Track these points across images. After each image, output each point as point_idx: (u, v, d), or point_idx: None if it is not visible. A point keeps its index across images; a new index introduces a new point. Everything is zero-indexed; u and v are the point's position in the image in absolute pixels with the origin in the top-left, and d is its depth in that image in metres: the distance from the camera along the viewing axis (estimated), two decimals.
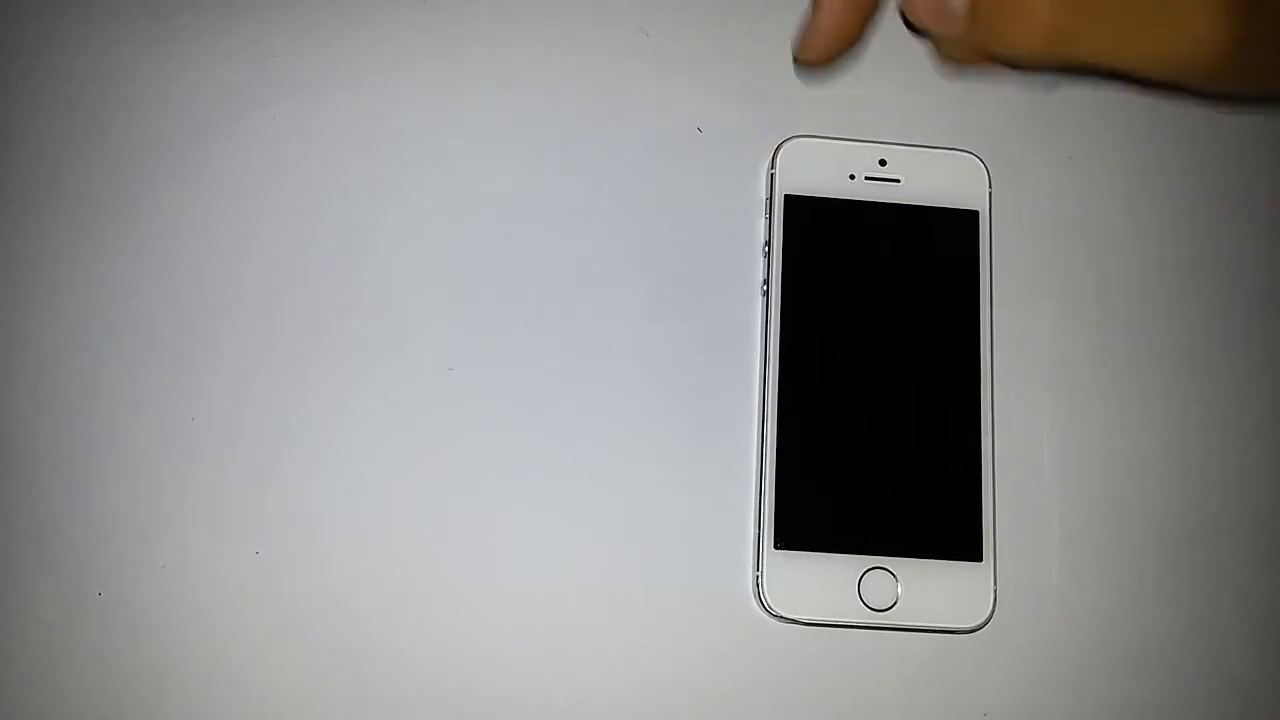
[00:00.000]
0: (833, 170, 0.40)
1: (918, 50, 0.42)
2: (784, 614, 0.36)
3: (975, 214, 0.40)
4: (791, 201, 0.39)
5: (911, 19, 0.36)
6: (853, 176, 0.40)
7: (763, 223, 0.40)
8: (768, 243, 0.39)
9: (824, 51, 0.37)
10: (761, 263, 0.40)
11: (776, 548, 0.37)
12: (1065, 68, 0.35)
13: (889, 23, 0.42)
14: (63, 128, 0.40)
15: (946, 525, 0.37)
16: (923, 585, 0.36)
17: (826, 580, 0.36)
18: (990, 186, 0.40)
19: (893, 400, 0.38)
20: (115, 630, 0.36)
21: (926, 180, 0.40)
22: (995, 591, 0.37)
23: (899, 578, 0.37)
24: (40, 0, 0.41)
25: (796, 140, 0.40)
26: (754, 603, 0.37)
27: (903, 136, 0.40)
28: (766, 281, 0.39)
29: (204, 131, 0.40)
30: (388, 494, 0.37)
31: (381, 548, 0.37)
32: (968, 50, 0.36)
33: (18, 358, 0.38)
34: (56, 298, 0.38)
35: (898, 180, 0.40)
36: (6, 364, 0.38)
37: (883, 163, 0.40)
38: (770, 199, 0.39)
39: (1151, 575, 0.38)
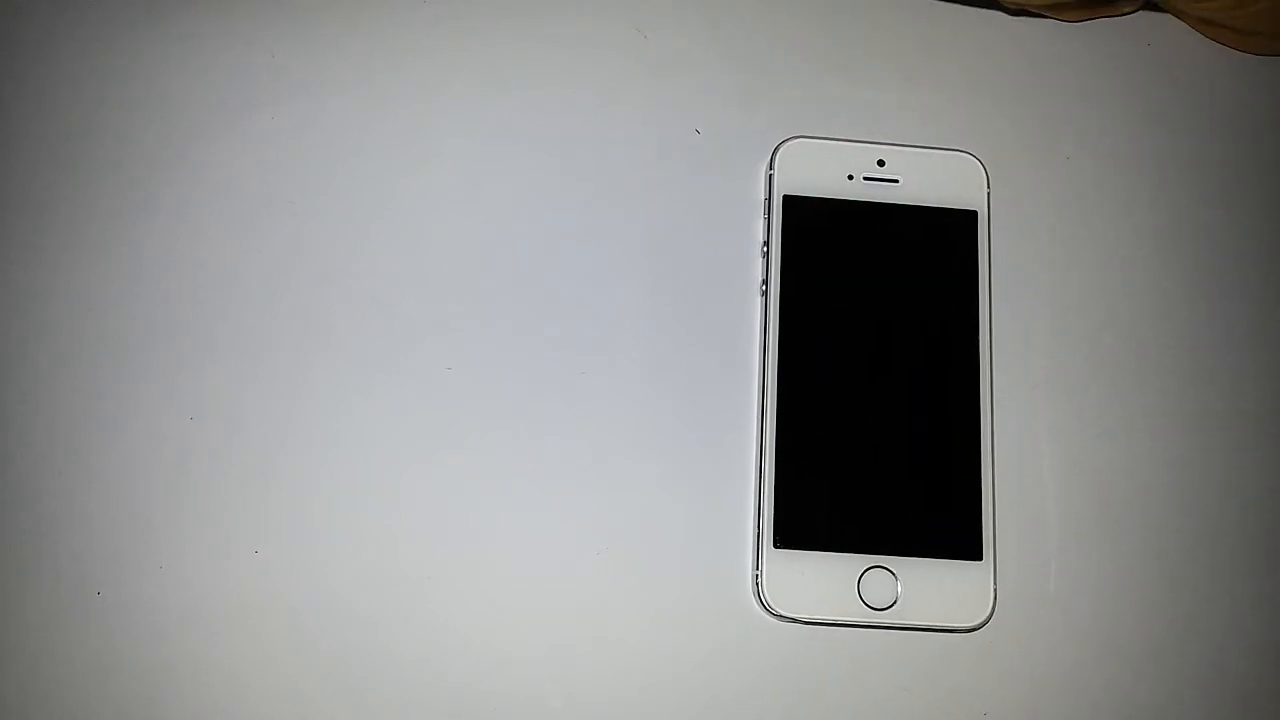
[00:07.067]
0: (831, 170, 0.40)
1: (917, 50, 0.42)
2: (784, 613, 0.36)
3: (974, 214, 0.40)
4: (790, 202, 0.39)
5: None
6: (851, 177, 0.40)
7: (761, 223, 0.40)
8: (766, 243, 0.39)
9: None
10: (760, 263, 0.40)
11: (776, 547, 0.37)
12: None
13: (888, 23, 0.42)
14: (63, 128, 0.40)
15: (946, 524, 0.37)
16: (923, 584, 0.36)
17: (826, 579, 0.36)
18: (989, 186, 0.40)
19: (892, 399, 0.38)
20: (114, 629, 0.36)
21: (925, 180, 0.40)
22: (995, 591, 0.37)
23: (899, 577, 0.37)
24: (40, 0, 0.41)
25: (795, 141, 0.40)
26: (754, 602, 0.37)
27: (901, 137, 0.40)
28: (765, 282, 0.39)
29: (204, 131, 0.40)
30: (386, 493, 0.37)
31: (380, 547, 0.37)
32: None
33: (17, 357, 0.38)
34: (56, 297, 0.38)
35: (896, 180, 0.40)
36: (6, 363, 0.38)
37: (881, 163, 0.40)
38: (769, 199, 0.39)
39: (1150, 576, 0.38)
